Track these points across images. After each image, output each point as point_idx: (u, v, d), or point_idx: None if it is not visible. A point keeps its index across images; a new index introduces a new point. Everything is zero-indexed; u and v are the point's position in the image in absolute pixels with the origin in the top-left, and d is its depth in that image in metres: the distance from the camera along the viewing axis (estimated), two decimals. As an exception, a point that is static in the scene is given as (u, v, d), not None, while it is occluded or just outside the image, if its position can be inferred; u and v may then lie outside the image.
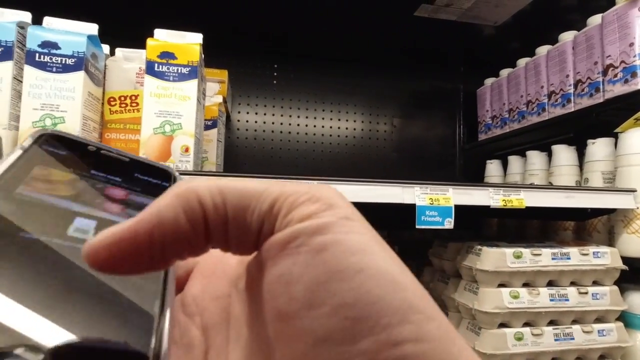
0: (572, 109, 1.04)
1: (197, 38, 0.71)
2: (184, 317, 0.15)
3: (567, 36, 1.08)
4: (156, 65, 0.67)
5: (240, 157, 1.39)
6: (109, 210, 0.16)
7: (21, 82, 0.62)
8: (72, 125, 0.63)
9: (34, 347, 0.10)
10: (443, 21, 1.24)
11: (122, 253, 0.12)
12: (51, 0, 0.80)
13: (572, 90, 1.04)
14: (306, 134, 1.46)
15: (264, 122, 1.43)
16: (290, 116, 1.45)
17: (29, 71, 0.61)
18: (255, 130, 1.42)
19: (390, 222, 1.24)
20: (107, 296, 0.13)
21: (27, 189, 0.15)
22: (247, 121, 1.42)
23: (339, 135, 1.48)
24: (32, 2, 0.73)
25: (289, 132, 1.44)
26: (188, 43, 0.69)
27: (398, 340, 0.11)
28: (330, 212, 0.13)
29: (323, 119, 1.47)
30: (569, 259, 0.79)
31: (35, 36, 0.62)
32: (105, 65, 0.74)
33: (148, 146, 0.67)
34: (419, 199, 0.71)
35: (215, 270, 0.16)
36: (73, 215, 0.15)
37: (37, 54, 0.62)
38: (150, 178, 0.20)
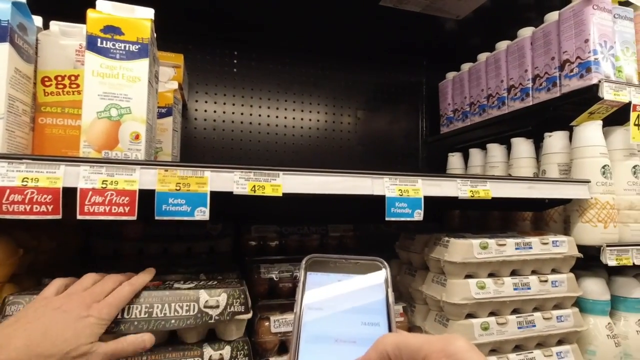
0: (531, 103, 1.07)
1: (148, 13, 0.64)
2: None
3: (526, 32, 1.10)
4: (99, 40, 0.59)
5: (198, 149, 1.31)
6: (356, 311, 0.31)
7: None
8: (-4, 107, 0.54)
9: None
10: (407, 13, 1.23)
11: None
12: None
13: (530, 85, 1.07)
14: (268, 124, 1.40)
15: (224, 112, 1.36)
16: (251, 106, 1.38)
17: (-61, 41, 0.51)
18: (215, 121, 1.34)
19: (356, 215, 1.22)
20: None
21: (311, 305, 0.32)
22: (205, 111, 1.34)
23: (302, 127, 1.44)
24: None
25: (250, 123, 1.38)
26: (137, 18, 0.62)
27: None
28: None
29: (286, 109, 1.42)
30: (531, 248, 0.80)
31: (-53, 0, 0.52)
32: (37, 40, 0.64)
33: (91, 133, 0.59)
34: (389, 190, 0.69)
35: None
36: (340, 319, 0.31)
37: (-51, 21, 0.52)
38: (371, 273, 0.34)
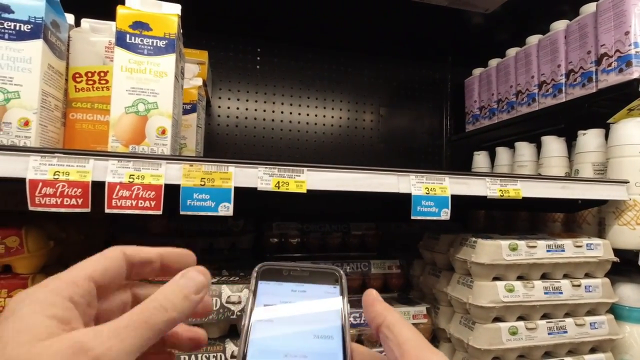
0: (564, 99, 1.02)
1: (174, 8, 0.64)
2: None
3: (559, 25, 1.06)
4: (128, 36, 0.59)
5: (221, 146, 1.32)
6: (309, 324, 0.29)
7: (-33, 49, 0.53)
8: (29, 102, 0.55)
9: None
10: (433, 8, 1.20)
11: None
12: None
13: (563, 80, 1.03)
14: (290, 122, 1.40)
15: (246, 109, 1.36)
16: (273, 103, 1.38)
17: (-24, 37, 0.53)
18: (237, 118, 1.35)
19: (377, 214, 1.21)
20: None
21: (260, 318, 0.29)
22: (228, 108, 1.34)
23: (324, 124, 1.43)
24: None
25: (272, 120, 1.38)
26: (165, 13, 0.62)
27: None
28: None
29: (308, 106, 1.42)
30: (563, 251, 0.77)
31: (-16, -3, 0.54)
32: (69, 37, 0.66)
33: (119, 127, 0.60)
34: (415, 188, 0.67)
35: None
36: (295, 328, 0.29)
37: (-14, 18, 0.54)
38: (325, 284, 0.31)
